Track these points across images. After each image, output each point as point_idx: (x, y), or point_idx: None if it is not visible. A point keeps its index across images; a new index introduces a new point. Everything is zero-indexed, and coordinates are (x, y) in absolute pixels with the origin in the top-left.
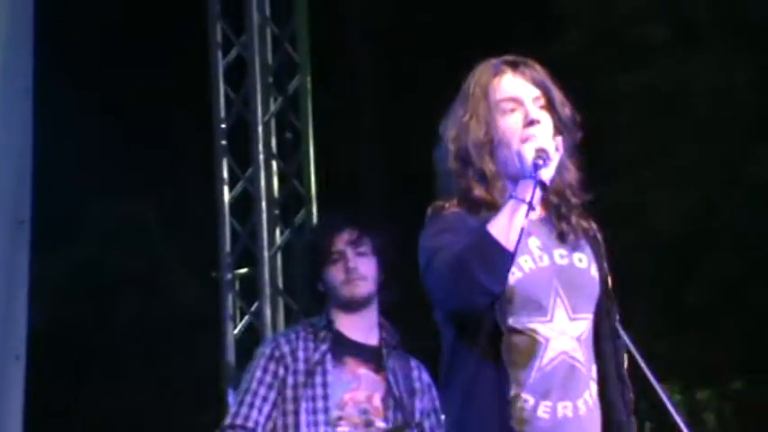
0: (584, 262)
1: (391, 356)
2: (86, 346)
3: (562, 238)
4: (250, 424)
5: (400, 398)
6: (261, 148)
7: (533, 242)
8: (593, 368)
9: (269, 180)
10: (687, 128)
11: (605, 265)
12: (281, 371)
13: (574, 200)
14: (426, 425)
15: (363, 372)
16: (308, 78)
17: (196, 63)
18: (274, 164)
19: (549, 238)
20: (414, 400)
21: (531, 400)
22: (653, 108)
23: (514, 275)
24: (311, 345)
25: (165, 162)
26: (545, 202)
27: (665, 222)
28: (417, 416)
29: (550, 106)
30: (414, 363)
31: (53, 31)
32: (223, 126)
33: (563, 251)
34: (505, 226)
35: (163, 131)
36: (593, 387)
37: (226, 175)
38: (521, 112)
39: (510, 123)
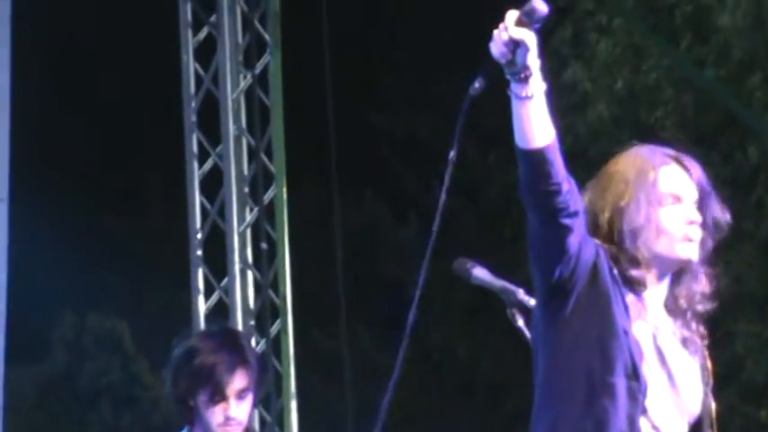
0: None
1: None
2: None
3: (684, 344)
4: None
5: None
6: (236, 258)
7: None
8: None
9: (244, 290)
10: None
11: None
12: None
13: (700, 307)
14: None
15: None
16: (284, 189)
17: (173, 171)
18: (250, 274)
19: (674, 345)
20: None
21: None
22: None
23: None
24: None
25: (141, 273)
26: (674, 308)
27: None
28: None
29: (702, 209)
30: None
31: (29, 146)
32: (198, 236)
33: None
34: (526, 129)
35: (135, 244)
36: None
37: (202, 285)
38: (682, 208)
39: (670, 217)
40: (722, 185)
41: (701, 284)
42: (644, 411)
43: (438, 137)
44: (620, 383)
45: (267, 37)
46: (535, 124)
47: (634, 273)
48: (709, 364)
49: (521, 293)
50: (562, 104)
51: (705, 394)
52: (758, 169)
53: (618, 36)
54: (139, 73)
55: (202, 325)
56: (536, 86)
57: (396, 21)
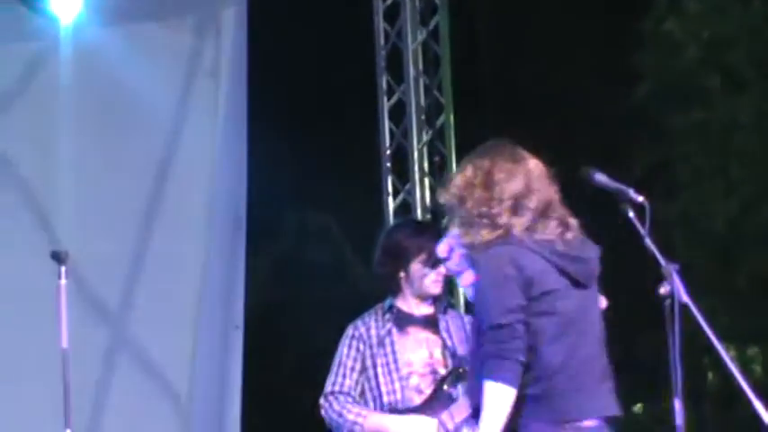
0: None
1: (444, 319)
2: (289, 320)
3: None
4: (345, 389)
5: (454, 349)
6: (416, 168)
7: None
8: None
9: (423, 193)
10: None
11: None
12: (361, 346)
13: None
14: None
15: (423, 336)
16: (452, 116)
17: (369, 104)
18: (426, 181)
19: None
20: (467, 347)
21: None
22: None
23: None
24: (380, 324)
25: (346, 181)
26: None
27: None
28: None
29: None
30: (467, 318)
31: (273, 99)
32: (388, 152)
33: None
34: None
35: (339, 158)
36: None
37: (391, 189)
38: None
39: None
40: None
41: None
42: None
43: (569, 84)
44: None
45: (438, 2)
46: None
47: None
48: None
49: (631, 192)
50: (661, 50)
51: None
52: None
53: None
54: (340, 35)
55: (392, 219)
56: None
57: None
